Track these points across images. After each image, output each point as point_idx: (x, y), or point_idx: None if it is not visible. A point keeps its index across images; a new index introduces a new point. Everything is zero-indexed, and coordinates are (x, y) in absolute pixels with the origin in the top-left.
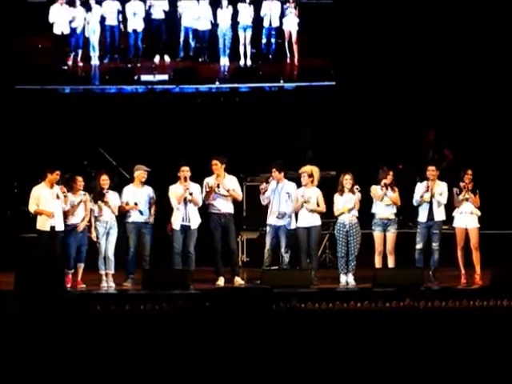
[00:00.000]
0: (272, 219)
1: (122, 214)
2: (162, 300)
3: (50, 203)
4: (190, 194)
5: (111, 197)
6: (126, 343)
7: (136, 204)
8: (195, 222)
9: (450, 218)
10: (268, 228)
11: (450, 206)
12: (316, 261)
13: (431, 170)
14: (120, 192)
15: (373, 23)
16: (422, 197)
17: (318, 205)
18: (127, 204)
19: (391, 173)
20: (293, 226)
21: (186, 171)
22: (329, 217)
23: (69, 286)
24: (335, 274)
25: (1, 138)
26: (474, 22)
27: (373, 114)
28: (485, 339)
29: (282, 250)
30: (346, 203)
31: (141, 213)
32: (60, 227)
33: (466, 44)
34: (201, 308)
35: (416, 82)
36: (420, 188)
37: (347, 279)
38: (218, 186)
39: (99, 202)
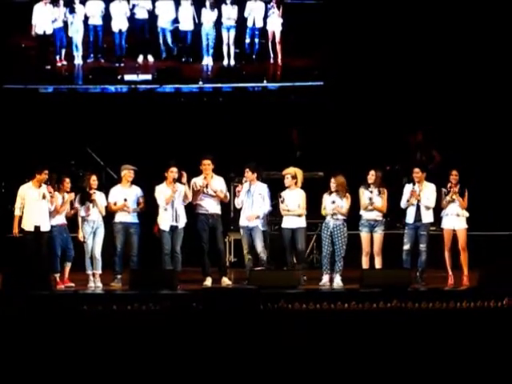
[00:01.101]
0: (244, 221)
1: (109, 214)
2: (149, 300)
3: (35, 203)
4: (208, 187)
5: (98, 197)
6: (113, 343)
7: (125, 200)
8: (183, 221)
9: (438, 219)
10: (241, 231)
11: (439, 207)
12: (304, 261)
13: (416, 173)
14: (107, 192)
15: (361, 23)
16: (408, 201)
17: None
18: (115, 204)
19: (372, 172)
20: (266, 227)
21: (174, 172)
22: (316, 218)
23: (62, 287)
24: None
25: None
26: (463, 22)
27: (361, 115)
28: (472, 340)
29: (259, 250)
30: (335, 203)
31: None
32: (46, 227)
33: (454, 45)
34: (188, 308)
35: (404, 82)
36: (407, 190)
37: (335, 279)
38: (207, 187)
39: (87, 203)
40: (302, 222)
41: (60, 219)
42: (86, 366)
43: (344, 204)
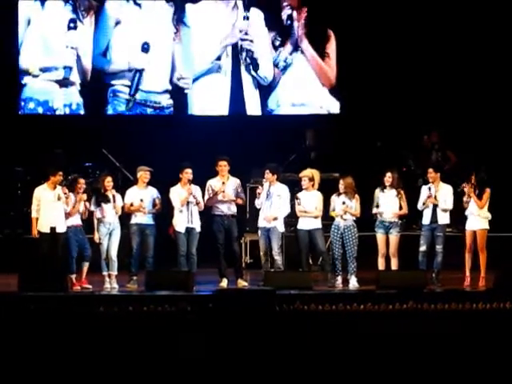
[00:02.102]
0: (262, 222)
1: (125, 216)
2: (165, 302)
3: (50, 204)
4: (196, 200)
5: (116, 197)
6: (128, 345)
7: (142, 200)
8: (198, 224)
9: (457, 221)
10: (259, 232)
11: (458, 208)
12: (328, 263)
13: (429, 173)
14: (123, 194)
15: (375, 21)
16: (424, 203)
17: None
18: (131, 205)
19: (388, 173)
20: (283, 229)
21: (189, 173)
22: (332, 219)
23: (78, 288)
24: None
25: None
26: (478, 23)
27: (376, 116)
28: (488, 342)
29: (274, 251)
30: (345, 204)
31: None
32: (62, 229)
33: (470, 46)
34: (204, 309)
35: (419, 82)
36: (424, 192)
37: (350, 280)
38: (223, 191)
39: (102, 204)
40: (318, 224)
41: (75, 220)
42: (102, 367)
43: (353, 205)
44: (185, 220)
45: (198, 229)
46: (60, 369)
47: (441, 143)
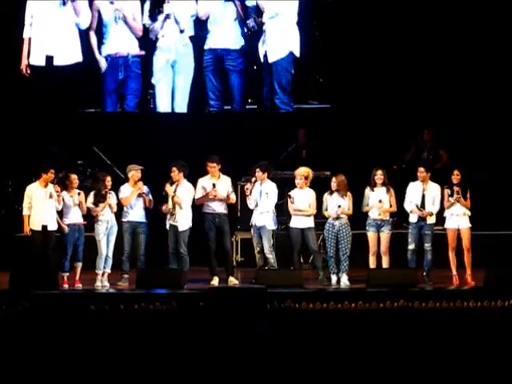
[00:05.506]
0: (253, 220)
1: (117, 214)
2: (156, 300)
3: (42, 202)
4: (173, 198)
5: (111, 197)
6: (120, 343)
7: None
8: (183, 224)
9: (441, 219)
10: (252, 230)
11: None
12: (319, 261)
13: (419, 172)
14: (117, 191)
15: (367, 22)
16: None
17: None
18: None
19: (379, 171)
20: (274, 227)
21: (172, 172)
22: (323, 217)
23: (66, 286)
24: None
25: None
26: (470, 22)
27: (369, 114)
28: (478, 340)
29: (266, 250)
30: (341, 207)
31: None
32: (53, 227)
33: (462, 45)
34: (195, 308)
35: (411, 81)
36: (411, 189)
37: (341, 279)
38: (214, 197)
39: (100, 204)
40: (310, 222)
41: (73, 218)
42: (93, 365)
43: (346, 203)
44: (167, 217)
45: (184, 227)
46: (51, 367)
47: (433, 142)
